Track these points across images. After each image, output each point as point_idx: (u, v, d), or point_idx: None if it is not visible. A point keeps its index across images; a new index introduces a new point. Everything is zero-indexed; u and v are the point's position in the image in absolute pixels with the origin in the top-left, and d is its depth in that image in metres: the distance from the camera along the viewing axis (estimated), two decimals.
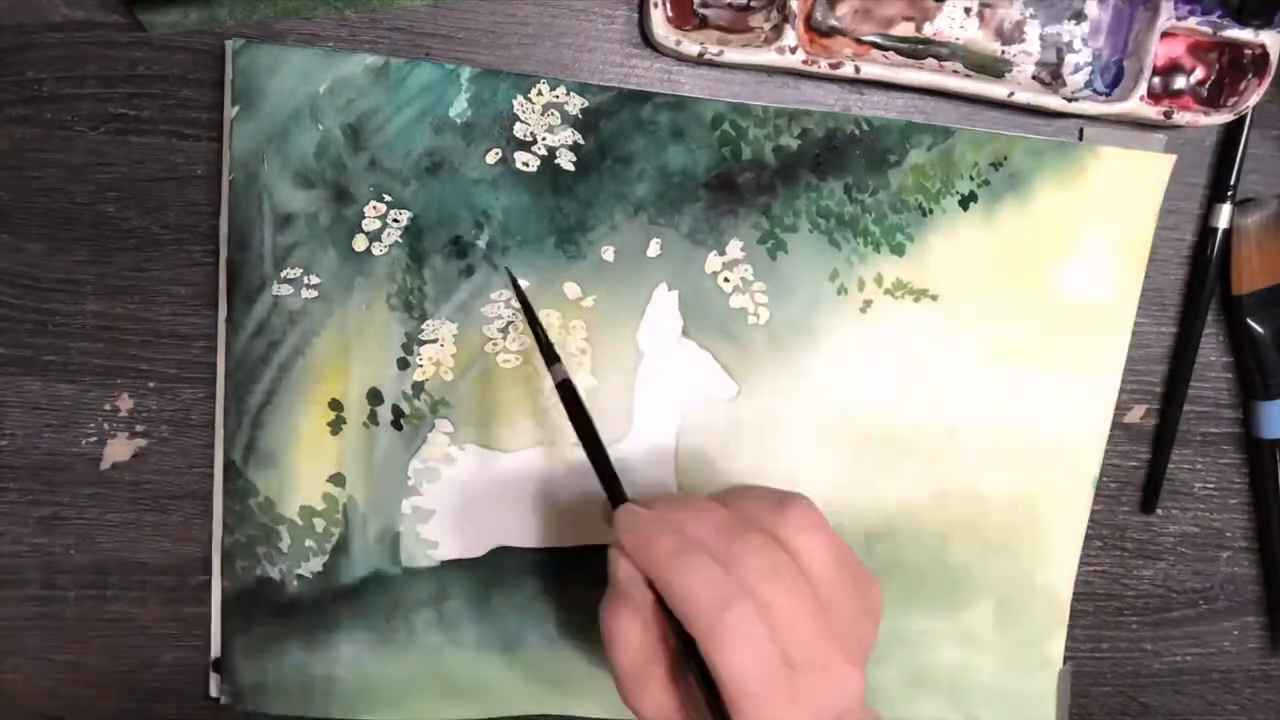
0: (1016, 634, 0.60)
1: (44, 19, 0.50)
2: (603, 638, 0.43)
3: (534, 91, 0.51)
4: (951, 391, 0.57)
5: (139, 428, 0.53)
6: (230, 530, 0.53)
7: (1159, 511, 0.62)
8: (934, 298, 0.56)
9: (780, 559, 0.42)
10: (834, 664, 0.41)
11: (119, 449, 0.53)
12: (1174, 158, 0.57)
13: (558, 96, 0.52)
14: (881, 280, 0.56)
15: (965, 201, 0.55)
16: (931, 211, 0.55)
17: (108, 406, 0.53)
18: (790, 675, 0.40)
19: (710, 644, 0.40)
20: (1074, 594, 0.60)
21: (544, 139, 0.52)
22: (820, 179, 0.54)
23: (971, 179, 0.55)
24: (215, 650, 0.55)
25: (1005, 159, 0.55)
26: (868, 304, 0.56)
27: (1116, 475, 0.61)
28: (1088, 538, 0.60)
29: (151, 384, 0.53)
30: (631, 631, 0.43)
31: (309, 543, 0.53)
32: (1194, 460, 0.62)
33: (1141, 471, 0.62)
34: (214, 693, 0.55)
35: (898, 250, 0.55)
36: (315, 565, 0.54)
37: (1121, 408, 0.60)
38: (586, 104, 0.52)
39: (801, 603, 0.41)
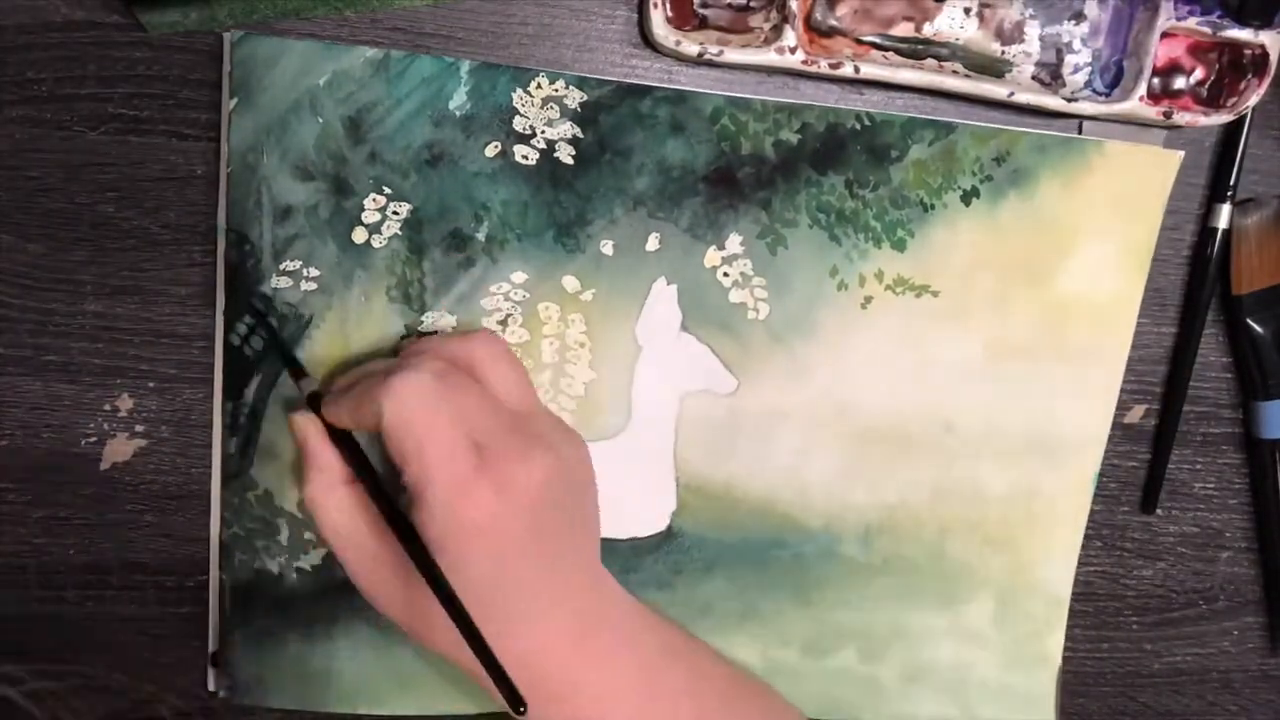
0: (1016, 631, 0.59)
1: (44, 19, 0.49)
2: (315, 520, 0.45)
3: (533, 85, 0.50)
4: (952, 387, 0.56)
5: (139, 428, 0.52)
6: (229, 524, 0.52)
7: (1159, 511, 0.61)
8: (935, 293, 0.55)
9: (448, 366, 0.43)
10: (523, 447, 0.43)
11: (119, 449, 0.52)
12: (1181, 154, 0.55)
13: (557, 90, 0.51)
14: (882, 276, 0.54)
15: (967, 197, 0.54)
16: (933, 207, 0.54)
17: (108, 406, 0.52)
18: (477, 451, 0.42)
19: (388, 421, 0.41)
20: (1074, 594, 0.59)
21: (543, 132, 0.51)
22: (820, 174, 0.53)
23: (974, 174, 0.54)
24: (213, 644, 0.54)
25: (1008, 154, 0.54)
26: (868, 300, 0.55)
27: (1116, 475, 0.60)
28: (1088, 538, 0.59)
29: (151, 384, 0.52)
30: (329, 494, 0.45)
31: (308, 536, 0.52)
32: (1194, 460, 0.61)
33: (1141, 471, 0.61)
34: (212, 686, 0.54)
35: (899, 246, 0.54)
36: (314, 558, 0.53)
37: (1121, 408, 0.59)
38: (586, 98, 0.51)
39: (481, 396, 0.43)
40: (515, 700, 0.39)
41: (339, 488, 0.45)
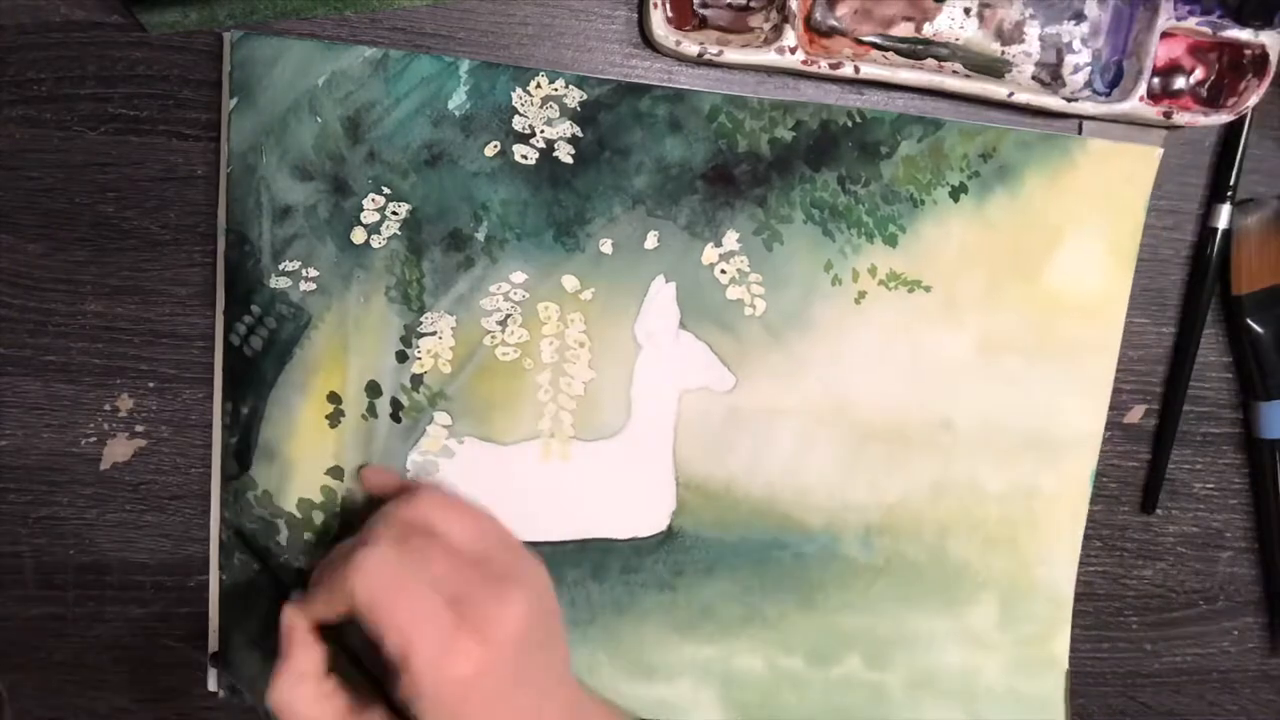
0: (1021, 633, 0.58)
1: (44, 19, 0.48)
2: (281, 715, 0.43)
3: (532, 84, 0.50)
4: (947, 383, 0.56)
5: (139, 428, 0.52)
6: (229, 524, 0.52)
7: (1159, 511, 0.61)
8: (927, 289, 0.55)
9: (404, 531, 0.44)
10: (498, 592, 0.43)
11: (119, 449, 0.52)
12: (1161, 150, 0.55)
13: (556, 89, 0.50)
14: (875, 271, 0.54)
15: (956, 193, 0.54)
16: (923, 203, 0.54)
17: (108, 406, 0.52)
18: (452, 607, 0.41)
19: (361, 600, 0.41)
20: (1074, 594, 0.59)
21: (542, 132, 0.51)
22: (814, 170, 0.53)
23: (961, 170, 0.54)
24: (213, 644, 0.53)
25: (994, 151, 0.54)
26: (862, 295, 0.55)
27: (1116, 475, 0.60)
28: (1088, 538, 0.59)
29: (151, 384, 0.52)
30: (298, 684, 0.44)
31: (307, 536, 0.52)
32: (1194, 460, 0.61)
33: (1141, 471, 0.60)
34: (212, 686, 0.54)
35: (891, 241, 0.54)
36: (314, 558, 0.52)
37: (1121, 408, 0.59)
38: (585, 97, 0.51)
39: (443, 552, 0.43)
40: None
41: (308, 682, 0.44)
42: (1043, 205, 0.55)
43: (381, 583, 0.41)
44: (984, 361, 0.56)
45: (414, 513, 0.45)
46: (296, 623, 0.44)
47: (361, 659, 0.45)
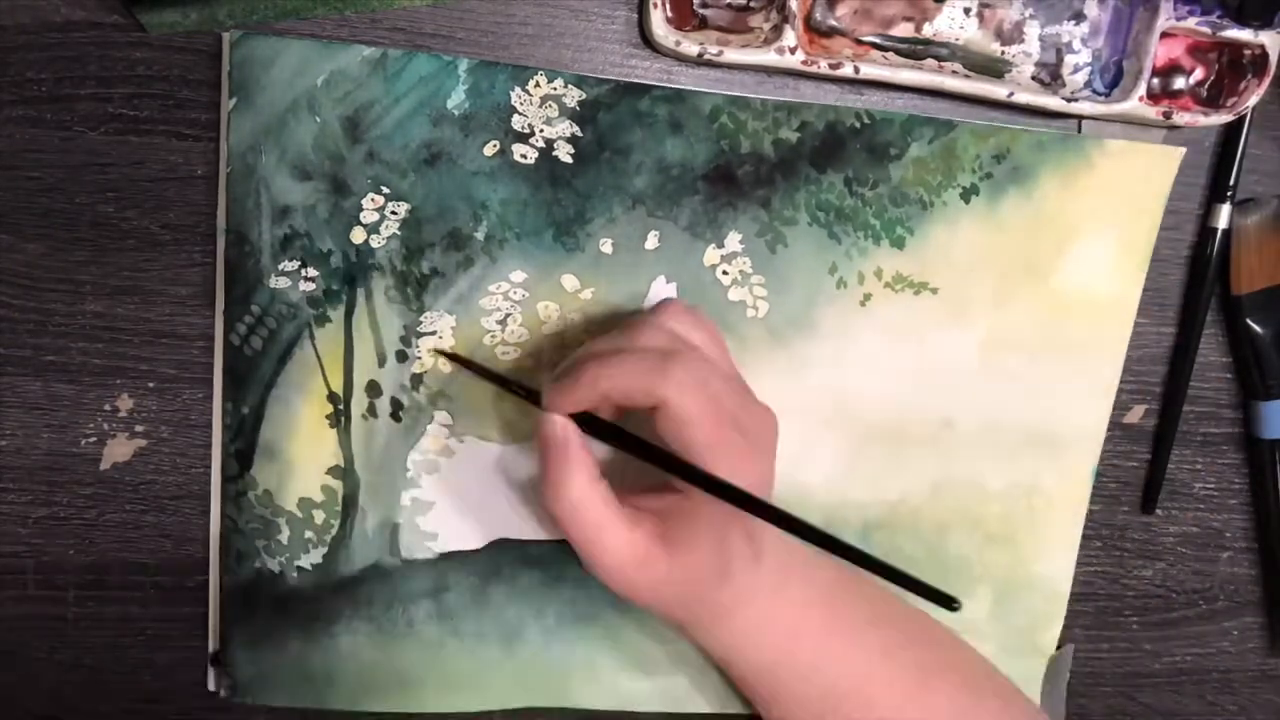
0: (1011, 624, 0.58)
1: (44, 19, 0.48)
2: (562, 515, 0.45)
3: (532, 84, 0.50)
4: (951, 384, 0.56)
5: (139, 428, 0.52)
6: (229, 523, 0.52)
7: (1159, 511, 0.61)
8: (934, 291, 0.55)
9: (675, 337, 0.45)
10: (756, 405, 0.46)
11: (119, 449, 0.52)
12: (1183, 150, 0.55)
13: (555, 89, 0.50)
14: (881, 273, 0.54)
15: (967, 194, 0.54)
16: (932, 204, 0.54)
17: (107, 406, 0.51)
18: (735, 424, 0.43)
19: (670, 400, 0.42)
20: (1074, 594, 0.59)
21: (542, 131, 0.50)
22: (820, 172, 0.53)
23: (973, 172, 0.54)
24: (213, 644, 0.53)
25: (1008, 152, 0.54)
26: (867, 297, 0.54)
27: (1116, 475, 0.60)
28: (1087, 538, 0.59)
29: (151, 384, 0.51)
30: (591, 486, 0.44)
31: (308, 535, 0.52)
32: (1194, 460, 0.60)
33: (1141, 471, 0.60)
34: (212, 686, 0.54)
35: (897, 243, 0.54)
36: (314, 557, 0.52)
37: (1121, 408, 0.58)
38: (584, 96, 0.50)
39: (713, 367, 0.45)
40: (946, 598, 0.38)
41: (597, 483, 0.45)
42: (1056, 206, 0.54)
43: (697, 399, 0.42)
44: (988, 361, 0.56)
45: (674, 322, 0.46)
46: (569, 428, 0.45)
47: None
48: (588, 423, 0.45)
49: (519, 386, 0.48)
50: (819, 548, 0.40)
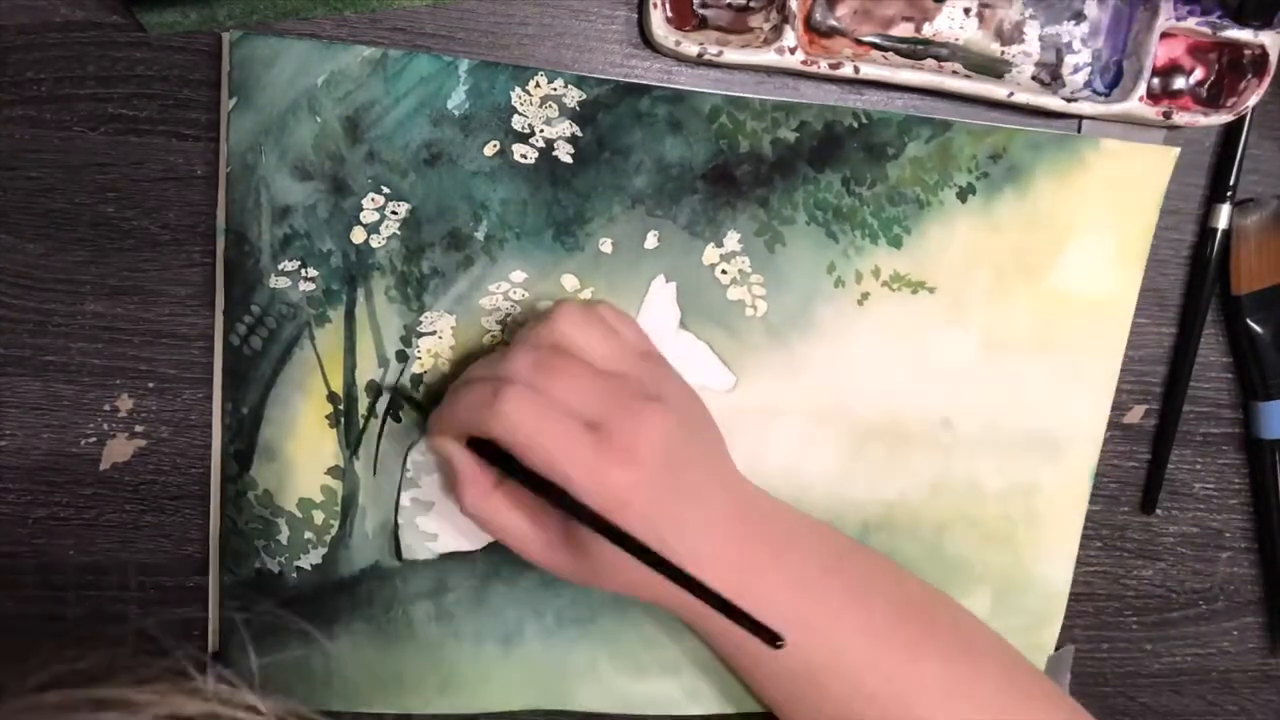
0: (1010, 623, 0.58)
1: (44, 19, 0.48)
2: (483, 526, 0.47)
3: (532, 84, 0.50)
4: (949, 383, 0.56)
5: (139, 428, 0.52)
6: (229, 524, 0.52)
7: (1159, 512, 0.61)
8: (931, 290, 0.55)
9: (542, 355, 0.45)
10: (634, 408, 0.44)
11: (119, 449, 0.52)
12: (1178, 150, 0.55)
13: (555, 89, 0.50)
14: (879, 273, 0.54)
15: (963, 194, 0.54)
16: (929, 204, 0.54)
17: (107, 406, 0.51)
18: (594, 432, 0.43)
19: (497, 434, 0.43)
20: (1074, 594, 0.59)
21: (542, 131, 0.50)
22: (818, 171, 0.53)
23: (969, 171, 0.54)
24: (213, 644, 0.53)
25: (1004, 151, 0.54)
26: (865, 296, 0.54)
27: (1116, 475, 0.60)
28: (1087, 538, 0.59)
29: (151, 384, 0.51)
30: (484, 501, 0.46)
31: (308, 535, 0.52)
32: (1194, 460, 0.61)
33: (1141, 471, 0.60)
34: (212, 686, 0.53)
35: (895, 243, 0.54)
36: (314, 558, 0.52)
37: (1121, 408, 0.59)
38: (584, 96, 0.50)
39: (577, 377, 0.44)
40: (771, 635, 0.40)
41: (493, 493, 0.46)
42: (1052, 206, 0.55)
43: (523, 424, 0.42)
44: (986, 361, 0.56)
45: (552, 333, 0.46)
46: (453, 446, 0.46)
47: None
48: (474, 444, 0.46)
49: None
50: (652, 569, 0.41)
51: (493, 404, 0.43)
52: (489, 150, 0.50)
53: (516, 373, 0.44)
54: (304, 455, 0.51)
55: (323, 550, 0.52)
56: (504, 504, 0.46)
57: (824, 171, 0.53)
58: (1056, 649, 0.59)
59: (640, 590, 0.47)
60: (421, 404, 0.51)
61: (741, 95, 0.51)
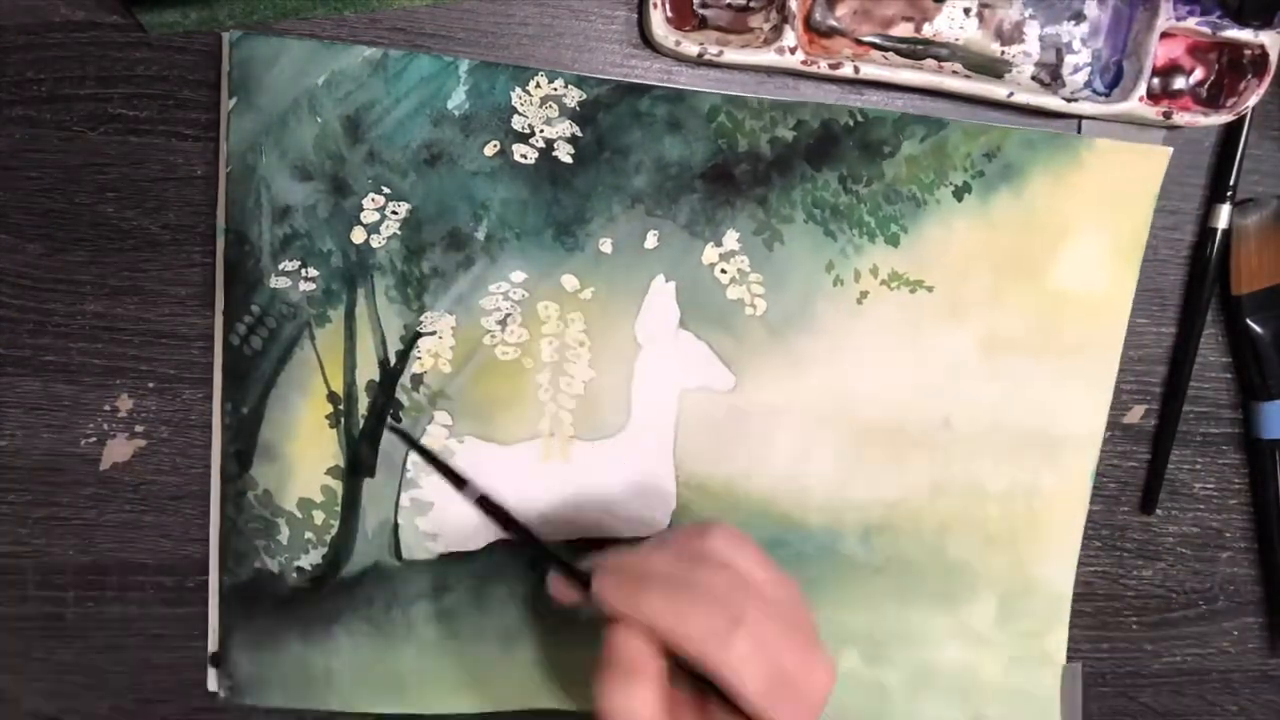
0: (1018, 629, 0.58)
1: (44, 19, 0.48)
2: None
3: (532, 84, 0.50)
4: (949, 383, 0.56)
5: (139, 428, 0.52)
6: (229, 524, 0.52)
7: (1159, 512, 0.61)
8: (930, 288, 0.55)
9: (736, 578, 0.43)
10: (812, 660, 0.43)
11: (119, 449, 0.52)
12: (1170, 150, 0.55)
13: (555, 89, 0.50)
14: (877, 271, 0.54)
15: (959, 192, 0.54)
16: (925, 202, 0.54)
17: (107, 407, 0.51)
18: (790, 683, 0.42)
19: (728, 678, 0.40)
20: (1074, 595, 0.59)
21: (542, 131, 0.50)
22: (815, 170, 0.53)
23: (965, 170, 0.54)
24: (213, 644, 0.53)
25: (998, 150, 0.54)
26: (864, 295, 0.54)
27: (1116, 475, 0.60)
28: (1088, 538, 0.59)
29: (151, 384, 0.51)
30: (649, 703, 0.41)
31: (308, 535, 0.52)
32: (1194, 460, 0.60)
33: (1141, 471, 0.60)
34: (212, 687, 0.54)
35: (893, 241, 0.54)
36: (314, 558, 0.52)
37: (1121, 408, 0.59)
38: (584, 96, 0.51)
39: (772, 617, 0.42)
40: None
41: (647, 687, 0.41)
42: (1047, 204, 0.55)
43: (752, 674, 0.40)
44: (985, 361, 0.56)
45: (730, 552, 0.44)
46: (644, 653, 0.42)
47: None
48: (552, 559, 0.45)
49: (566, 565, 0.46)
50: None
51: (728, 639, 0.40)
52: (489, 150, 0.50)
53: (748, 617, 0.41)
54: (304, 455, 0.51)
55: (323, 550, 0.52)
56: (649, 700, 0.41)
57: (821, 170, 0.53)
58: (1067, 659, 0.59)
59: None
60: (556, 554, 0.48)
61: (740, 95, 0.52)
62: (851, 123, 0.53)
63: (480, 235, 0.51)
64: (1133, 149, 0.55)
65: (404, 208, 0.50)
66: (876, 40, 0.53)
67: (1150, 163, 0.55)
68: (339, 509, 0.52)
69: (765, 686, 0.40)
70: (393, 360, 0.51)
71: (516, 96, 0.50)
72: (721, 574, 0.43)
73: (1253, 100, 0.54)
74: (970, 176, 0.54)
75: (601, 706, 0.41)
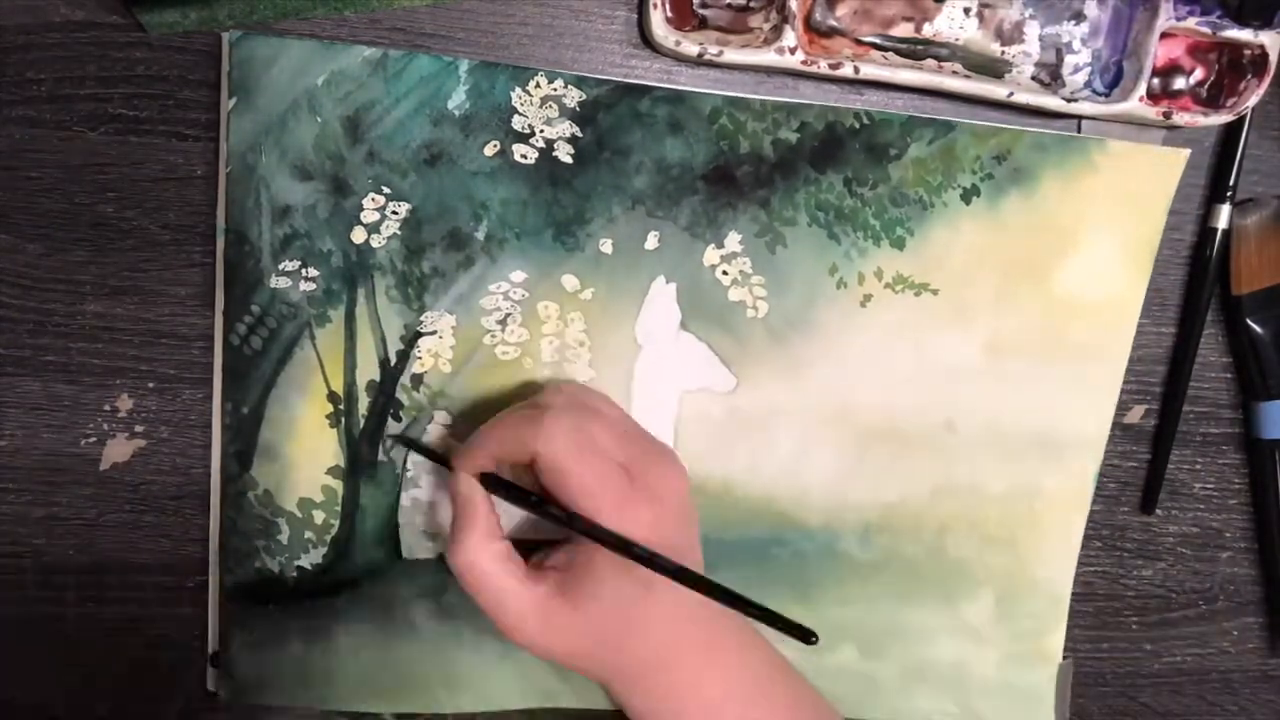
0: (1015, 628, 0.58)
1: (44, 19, 0.48)
2: (459, 571, 0.46)
3: (532, 84, 0.50)
4: (952, 386, 0.56)
5: (139, 428, 0.52)
6: (229, 524, 0.52)
7: (1159, 512, 0.61)
8: (935, 292, 0.55)
9: (576, 398, 0.48)
10: (662, 459, 0.48)
11: (118, 449, 0.52)
12: (1188, 152, 0.55)
13: (556, 89, 0.50)
14: (882, 274, 0.54)
15: (967, 195, 0.54)
16: (933, 205, 0.54)
17: (107, 407, 0.51)
18: (625, 471, 0.45)
19: (548, 462, 0.44)
20: (1074, 594, 0.59)
21: (542, 131, 0.50)
22: (819, 172, 0.53)
23: (974, 172, 0.54)
24: (213, 644, 0.53)
25: (1009, 153, 0.54)
26: (868, 298, 0.54)
27: (1116, 475, 0.60)
28: (1088, 538, 0.59)
29: (151, 384, 0.51)
30: (485, 544, 0.46)
31: (308, 535, 0.52)
32: (1194, 460, 0.60)
33: (1141, 472, 0.60)
34: (212, 687, 0.54)
35: (898, 244, 0.54)
36: (314, 557, 0.52)
37: (1121, 408, 0.58)
38: (584, 97, 0.50)
39: (611, 422, 0.47)
40: (804, 632, 0.41)
41: (492, 543, 0.46)
42: (1058, 208, 0.54)
43: (567, 448, 0.44)
44: (989, 363, 0.55)
45: (573, 390, 0.49)
46: (474, 486, 0.46)
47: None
48: (491, 482, 0.46)
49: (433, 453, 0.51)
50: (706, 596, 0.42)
51: (538, 427, 0.44)
52: (489, 150, 0.50)
53: (558, 405, 0.46)
54: (304, 455, 0.51)
55: (323, 550, 0.52)
56: (499, 556, 0.46)
57: (825, 172, 0.53)
58: (1064, 657, 0.59)
59: (592, 662, 0.48)
60: (436, 452, 0.51)
61: (742, 96, 0.51)
62: (857, 125, 0.52)
63: (480, 235, 0.51)
64: (1148, 151, 0.55)
65: (404, 208, 0.50)
66: (876, 40, 0.53)
67: (1166, 165, 0.55)
68: (339, 509, 0.52)
69: (582, 465, 0.44)
70: (393, 360, 0.51)
71: (516, 96, 0.50)
72: (556, 394, 0.48)
73: (1253, 100, 0.54)
74: (979, 179, 0.54)
75: (449, 551, 0.46)
